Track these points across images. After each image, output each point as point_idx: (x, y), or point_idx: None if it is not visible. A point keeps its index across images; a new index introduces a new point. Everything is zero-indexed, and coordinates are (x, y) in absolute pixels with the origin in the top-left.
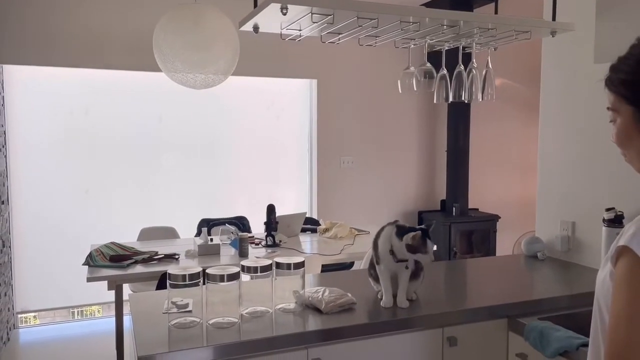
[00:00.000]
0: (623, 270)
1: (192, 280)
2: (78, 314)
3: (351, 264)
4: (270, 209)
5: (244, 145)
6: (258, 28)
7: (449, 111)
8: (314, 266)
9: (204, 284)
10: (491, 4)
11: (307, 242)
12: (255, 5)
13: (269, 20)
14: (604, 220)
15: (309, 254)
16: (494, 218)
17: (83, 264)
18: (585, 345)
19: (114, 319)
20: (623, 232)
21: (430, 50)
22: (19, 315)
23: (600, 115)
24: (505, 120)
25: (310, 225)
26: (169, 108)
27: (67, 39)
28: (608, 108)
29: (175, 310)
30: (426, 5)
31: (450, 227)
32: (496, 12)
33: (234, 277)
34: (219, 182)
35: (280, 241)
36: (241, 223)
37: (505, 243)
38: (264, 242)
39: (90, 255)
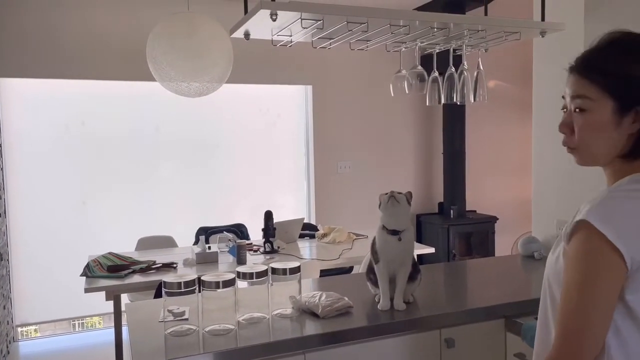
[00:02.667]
0: (578, 243)
1: (188, 287)
2: (79, 326)
3: (350, 269)
4: (268, 216)
5: (241, 153)
6: (249, 35)
7: (444, 114)
8: (313, 271)
9: (199, 291)
10: (482, 6)
11: (305, 247)
12: (246, 12)
13: (260, 26)
14: None
15: (308, 259)
16: (492, 220)
17: (81, 275)
18: None
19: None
20: (579, 211)
21: (422, 53)
22: (19, 329)
23: None
24: (500, 122)
25: (308, 230)
26: (165, 117)
27: (62, 51)
28: (575, 96)
29: (171, 318)
30: (419, 9)
31: (449, 229)
32: (486, 14)
33: (230, 283)
34: (216, 190)
35: (278, 247)
36: (239, 230)
37: (504, 244)
38: (262, 249)
39: (87, 266)
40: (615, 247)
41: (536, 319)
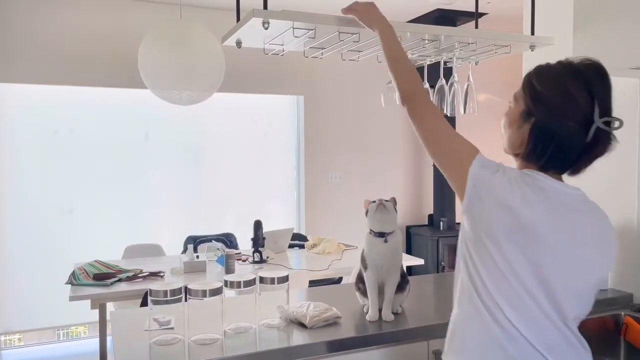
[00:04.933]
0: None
1: (174, 296)
2: (64, 335)
3: (339, 279)
4: (257, 225)
5: (231, 162)
6: (241, 43)
7: None
8: (302, 282)
9: (186, 300)
10: (474, 20)
11: (294, 257)
12: (238, 20)
13: (252, 35)
14: None
15: (297, 269)
16: None
17: (66, 283)
18: None
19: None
20: None
21: (416, 67)
22: (3, 337)
23: None
24: (490, 134)
25: (297, 240)
26: (155, 125)
27: (52, 57)
28: (515, 94)
29: (157, 327)
30: (411, 21)
31: (438, 241)
32: (476, 27)
33: (217, 292)
34: (205, 198)
35: (267, 257)
36: (228, 240)
37: None
38: (251, 259)
39: (73, 274)
40: (474, 156)
41: None
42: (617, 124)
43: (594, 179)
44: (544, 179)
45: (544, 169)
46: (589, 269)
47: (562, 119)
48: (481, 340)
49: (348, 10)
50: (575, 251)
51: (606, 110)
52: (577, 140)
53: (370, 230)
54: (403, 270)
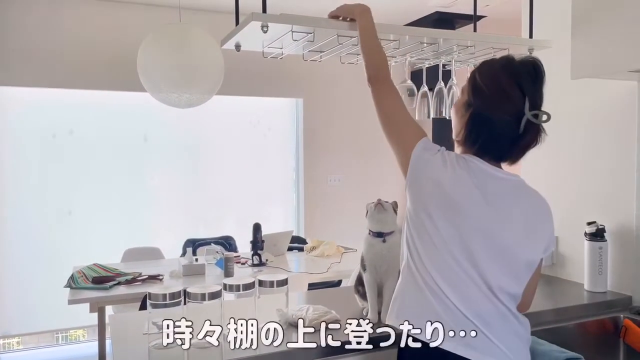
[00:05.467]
0: None
1: (173, 299)
2: (62, 339)
3: (339, 282)
4: (257, 228)
5: (230, 164)
6: (240, 46)
7: (433, 128)
8: (301, 285)
9: (185, 303)
10: (472, 23)
11: (294, 260)
12: (237, 23)
13: (251, 38)
14: (585, 234)
15: (296, 272)
16: None
17: (65, 286)
18: (570, 359)
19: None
20: None
21: (412, 69)
22: (1, 340)
23: (582, 131)
24: None
25: (297, 243)
26: (154, 127)
27: (51, 60)
28: (462, 87)
29: (156, 330)
30: (410, 24)
31: None
32: (475, 30)
33: (216, 295)
34: (205, 201)
35: (266, 260)
36: (227, 243)
37: None
38: (250, 262)
39: (72, 277)
40: (420, 139)
41: None
42: (544, 117)
43: (592, 182)
44: (476, 162)
45: (478, 154)
46: (514, 247)
47: (496, 110)
48: (420, 309)
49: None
50: (498, 228)
51: (535, 104)
52: (508, 130)
53: (369, 230)
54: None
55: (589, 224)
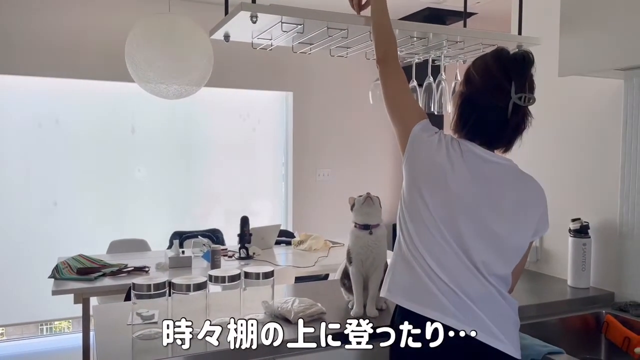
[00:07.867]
0: None
1: (158, 290)
2: (47, 330)
3: (326, 276)
4: (244, 221)
5: (218, 157)
6: (229, 36)
7: None
8: (288, 278)
9: (170, 294)
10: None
11: (281, 254)
12: (227, 13)
13: (240, 28)
14: (570, 230)
15: (283, 266)
16: None
17: (49, 277)
18: (552, 353)
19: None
20: None
21: (402, 64)
22: None
23: (568, 128)
24: None
25: (284, 237)
26: (142, 118)
27: (37, 48)
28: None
29: (140, 321)
30: (402, 19)
31: None
32: (465, 26)
33: (201, 287)
34: (192, 194)
35: (254, 253)
36: (214, 235)
37: None
38: (237, 255)
39: (56, 268)
40: (420, 121)
41: None
42: (530, 100)
43: (577, 179)
44: (469, 146)
45: (468, 137)
46: (502, 230)
47: (484, 95)
48: (410, 284)
49: None
50: (488, 211)
51: (523, 88)
52: (495, 113)
53: (355, 223)
54: (388, 267)
55: (573, 220)
